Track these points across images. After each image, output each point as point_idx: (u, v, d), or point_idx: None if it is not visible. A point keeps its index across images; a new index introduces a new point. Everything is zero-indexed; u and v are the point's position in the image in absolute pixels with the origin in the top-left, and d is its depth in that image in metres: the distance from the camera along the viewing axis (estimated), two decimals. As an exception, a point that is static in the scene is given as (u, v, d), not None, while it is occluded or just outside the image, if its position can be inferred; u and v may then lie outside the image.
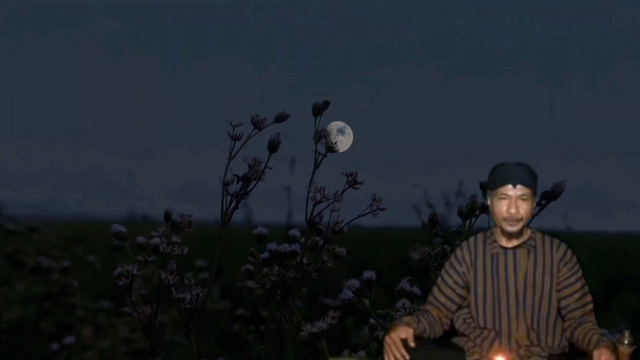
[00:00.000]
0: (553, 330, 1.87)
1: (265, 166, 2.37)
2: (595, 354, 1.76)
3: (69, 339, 4.04)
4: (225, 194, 2.36)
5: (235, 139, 2.36)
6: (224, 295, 4.74)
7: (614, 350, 1.77)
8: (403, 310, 2.35)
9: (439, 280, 1.93)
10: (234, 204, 2.37)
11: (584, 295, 1.88)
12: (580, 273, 1.88)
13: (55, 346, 4.05)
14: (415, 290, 2.41)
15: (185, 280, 2.32)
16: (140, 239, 2.37)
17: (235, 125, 2.35)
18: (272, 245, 2.44)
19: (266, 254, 2.45)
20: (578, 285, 1.87)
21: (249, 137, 2.38)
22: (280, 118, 2.40)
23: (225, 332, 4.39)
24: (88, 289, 4.79)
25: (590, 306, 1.88)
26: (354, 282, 2.38)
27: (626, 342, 1.79)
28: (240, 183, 2.36)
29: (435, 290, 1.93)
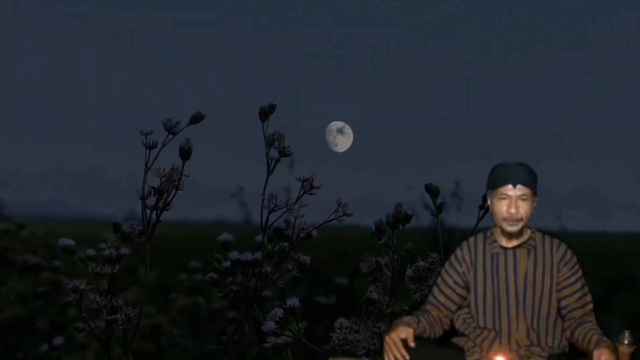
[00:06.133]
0: (553, 330, 1.87)
1: (181, 174, 2.23)
2: (595, 354, 1.76)
3: (60, 340, 4.01)
4: (144, 207, 2.24)
5: (150, 147, 2.22)
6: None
7: (614, 350, 1.77)
8: (339, 331, 2.24)
9: (439, 280, 1.92)
10: (154, 217, 2.25)
11: (584, 295, 1.87)
12: (580, 273, 1.88)
13: (45, 348, 4.02)
14: (383, 299, 2.29)
15: (113, 302, 2.24)
16: (91, 252, 2.27)
17: (147, 134, 2.21)
18: (234, 254, 2.35)
19: (228, 263, 2.36)
20: (578, 285, 1.87)
21: (164, 144, 2.23)
22: (196, 119, 2.27)
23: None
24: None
25: (590, 306, 1.87)
26: (278, 312, 2.27)
27: (626, 342, 1.79)
28: (156, 196, 2.23)
29: (435, 290, 1.92)
